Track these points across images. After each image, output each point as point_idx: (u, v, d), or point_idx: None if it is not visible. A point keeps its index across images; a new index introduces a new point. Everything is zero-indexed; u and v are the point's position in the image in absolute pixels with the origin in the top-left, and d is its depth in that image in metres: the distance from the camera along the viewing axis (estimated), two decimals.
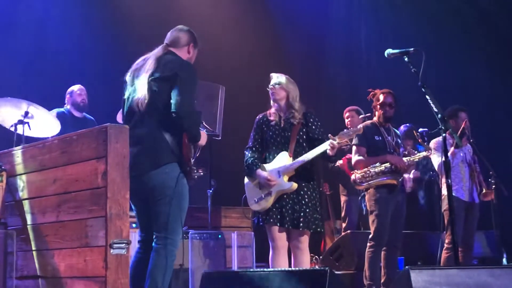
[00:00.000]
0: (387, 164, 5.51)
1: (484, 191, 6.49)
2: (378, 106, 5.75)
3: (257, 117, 5.20)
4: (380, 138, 5.69)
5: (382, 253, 5.59)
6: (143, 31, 8.27)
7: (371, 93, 5.83)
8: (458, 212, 6.11)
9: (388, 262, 5.61)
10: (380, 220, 5.51)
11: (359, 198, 6.01)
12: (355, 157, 5.74)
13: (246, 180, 5.11)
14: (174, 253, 3.94)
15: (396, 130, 5.94)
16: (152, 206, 3.94)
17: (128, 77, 4.16)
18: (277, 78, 5.09)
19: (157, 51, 4.13)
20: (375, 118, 5.84)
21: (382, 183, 5.54)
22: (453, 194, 6.36)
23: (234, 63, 9.20)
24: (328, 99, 9.79)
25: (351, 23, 10.54)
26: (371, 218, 5.59)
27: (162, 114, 3.92)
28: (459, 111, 6.47)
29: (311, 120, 5.05)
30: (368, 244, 5.57)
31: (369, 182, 5.53)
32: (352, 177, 5.65)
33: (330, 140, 4.80)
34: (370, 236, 5.57)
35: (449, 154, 6.03)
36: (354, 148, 5.75)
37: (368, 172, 5.54)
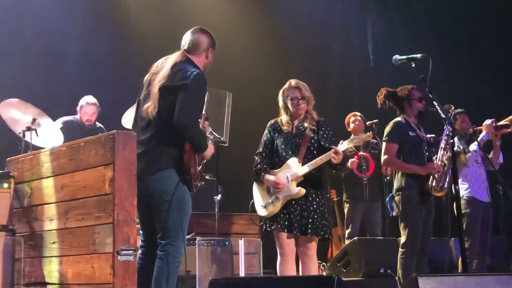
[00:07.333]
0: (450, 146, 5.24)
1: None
2: (411, 101, 5.46)
3: (269, 122, 5.15)
4: (414, 133, 5.45)
5: None
6: (151, 36, 8.34)
7: (402, 89, 5.53)
8: (476, 213, 5.97)
9: (418, 268, 5.32)
10: (413, 226, 5.29)
11: (387, 199, 5.79)
12: (385, 156, 5.47)
13: (254, 185, 5.08)
14: (177, 260, 3.91)
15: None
16: (154, 212, 3.94)
17: (146, 80, 4.15)
18: (300, 91, 4.99)
19: (175, 58, 4.08)
20: (404, 115, 5.54)
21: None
22: (470, 195, 6.35)
23: (241, 69, 9.20)
24: (334, 104, 9.77)
25: (358, 27, 10.53)
26: (403, 222, 5.36)
27: (167, 122, 3.90)
28: (458, 115, 6.43)
29: (323, 128, 5.00)
30: (400, 250, 5.36)
31: (447, 179, 5.24)
32: (431, 184, 5.31)
33: (332, 150, 4.76)
34: (403, 241, 5.35)
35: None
36: (384, 144, 5.51)
37: (441, 169, 5.27)
